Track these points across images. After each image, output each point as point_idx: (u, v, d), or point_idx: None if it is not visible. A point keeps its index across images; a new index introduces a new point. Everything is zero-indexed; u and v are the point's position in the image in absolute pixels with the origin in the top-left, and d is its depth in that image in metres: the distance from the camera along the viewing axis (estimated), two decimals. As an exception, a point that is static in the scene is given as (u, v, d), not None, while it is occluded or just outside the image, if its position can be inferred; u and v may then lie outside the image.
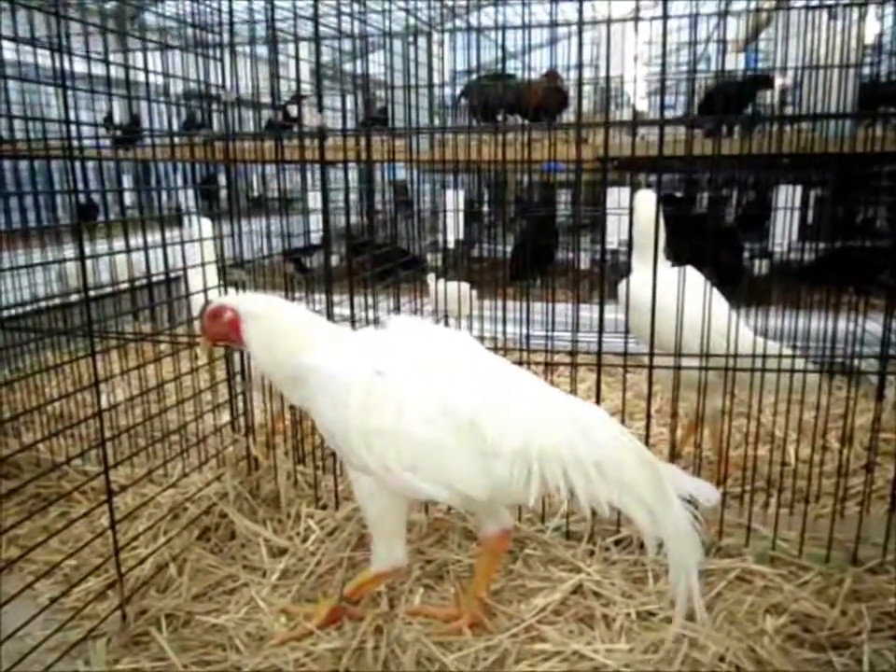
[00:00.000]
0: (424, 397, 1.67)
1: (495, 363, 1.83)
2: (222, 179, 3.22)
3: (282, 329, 1.82)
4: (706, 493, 1.64)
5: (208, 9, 2.36)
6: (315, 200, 2.97)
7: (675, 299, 2.24)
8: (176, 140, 2.85)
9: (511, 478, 1.64)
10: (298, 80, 2.42)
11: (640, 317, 2.47)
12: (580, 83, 2.29)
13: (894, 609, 1.91)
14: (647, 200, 2.71)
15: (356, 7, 2.88)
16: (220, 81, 2.44)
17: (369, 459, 1.68)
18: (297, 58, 2.38)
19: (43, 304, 3.04)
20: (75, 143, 1.92)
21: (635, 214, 2.75)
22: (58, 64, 1.72)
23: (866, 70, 4.51)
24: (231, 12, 2.40)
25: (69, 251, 2.87)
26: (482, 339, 3.01)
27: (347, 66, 4.74)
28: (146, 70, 2.32)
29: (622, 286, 2.66)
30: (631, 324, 2.66)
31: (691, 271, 2.43)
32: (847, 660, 1.78)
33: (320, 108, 2.25)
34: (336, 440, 1.76)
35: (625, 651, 1.81)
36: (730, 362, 2.25)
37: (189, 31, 2.46)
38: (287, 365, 1.79)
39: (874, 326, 2.33)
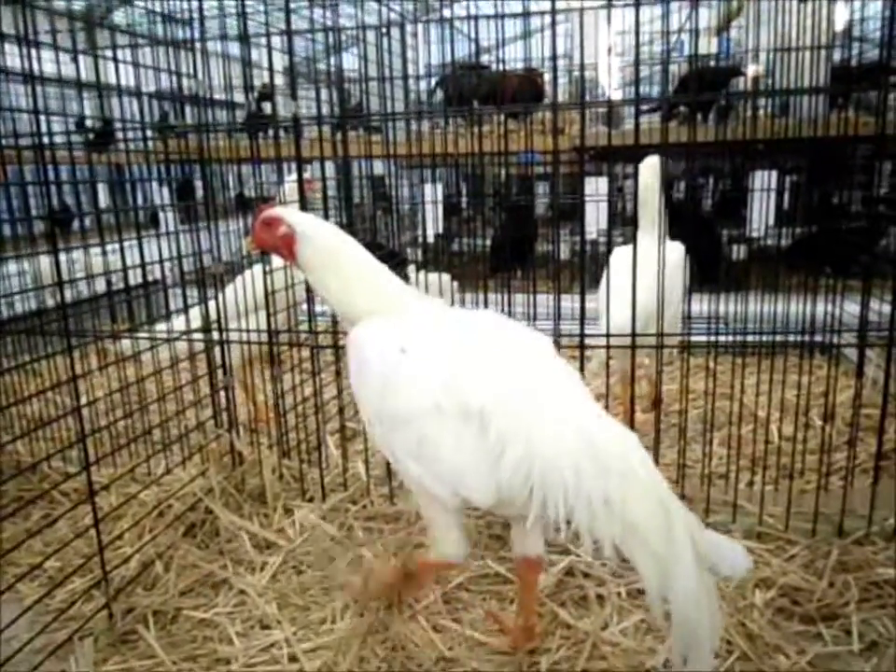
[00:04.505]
0: (439, 380, 1.48)
1: (542, 361, 1.58)
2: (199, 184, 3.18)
3: (341, 269, 1.67)
4: (732, 559, 1.36)
5: (177, 2, 2.33)
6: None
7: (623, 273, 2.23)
8: (149, 134, 2.81)
9: (511, 488, 1.43)
10: (271, 71, 2.40)
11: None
12: (554, 71, 2.29)
13: (881, 579, 1.92)
14: (648, 166, 2.72)
15: (328, -1, 2.87)
16: (192, 74, 2.42)
17: (381, 443, 1.61)
18: (269, 48, 2.36)
19: (19, 309, 2.99)
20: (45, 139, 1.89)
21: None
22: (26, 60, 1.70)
23: (837, 55, 4.56)
24: (200, 6, 2.37)
25: (44, 258, 2.83)
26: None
27: (321, 64, 4.72)
28: (115, 60, 2.28)
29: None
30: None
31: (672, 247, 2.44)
32: (836, 631, 1.79)
33: (294, 97, 2.23)
34: (362, 417, 1.67)
35: (618, 632, 1.81)
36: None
37: (160, 27, 2.43)
38: (338, 311, 1.72)
39: (852, 307, 2.34)
